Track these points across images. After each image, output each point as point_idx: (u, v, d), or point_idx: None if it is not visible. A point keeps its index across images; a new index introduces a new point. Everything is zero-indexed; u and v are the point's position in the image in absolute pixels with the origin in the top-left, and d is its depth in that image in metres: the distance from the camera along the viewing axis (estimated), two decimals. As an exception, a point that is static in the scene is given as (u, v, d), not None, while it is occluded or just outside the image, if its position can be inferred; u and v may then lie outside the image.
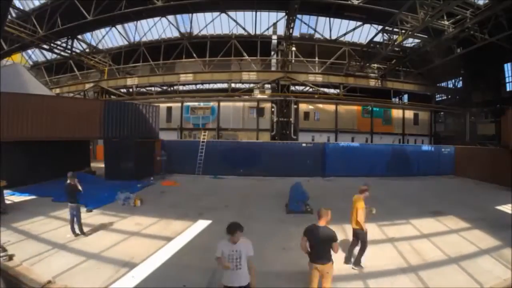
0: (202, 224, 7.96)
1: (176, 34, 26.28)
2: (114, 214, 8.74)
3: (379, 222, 7.85)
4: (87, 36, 26.97)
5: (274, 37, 24.73)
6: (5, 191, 10.33)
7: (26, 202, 9.86)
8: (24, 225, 7.34)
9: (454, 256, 5.98)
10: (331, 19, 24.26)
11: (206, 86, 31.46)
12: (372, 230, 7.51)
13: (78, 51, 26.07)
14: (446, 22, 17.15)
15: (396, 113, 26.32)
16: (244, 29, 24.56)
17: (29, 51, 28.98)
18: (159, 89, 28.68)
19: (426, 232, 7.59)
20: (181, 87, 30.03)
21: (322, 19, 24.62)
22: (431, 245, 6.61)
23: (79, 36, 25.93)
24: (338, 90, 25.80)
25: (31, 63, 30.62)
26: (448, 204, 10.21)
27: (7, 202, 9.30)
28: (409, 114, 26.60)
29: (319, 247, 3.95)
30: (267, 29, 24.71)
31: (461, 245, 6.60)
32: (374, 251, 6.13)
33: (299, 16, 22.15)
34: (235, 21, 24.01)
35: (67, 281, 4.79)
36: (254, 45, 25.08)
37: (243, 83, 26.41)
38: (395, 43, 19.40)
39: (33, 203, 9.77)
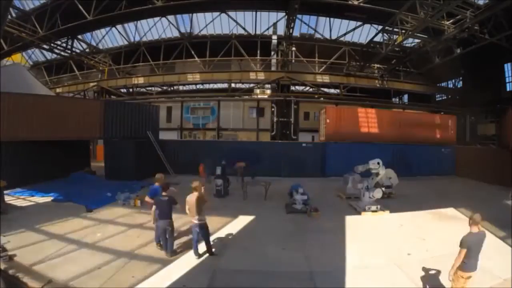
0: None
1: (176, 34, 26.25)
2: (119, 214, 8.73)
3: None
4: (87, 36, 26.95)
5: (274, 37, 24.69)
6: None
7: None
8: (26, 226, 7.33)
9: (453, 254, 5.97)
10: (331, 19, 24.23)
11: (206, 86, 31.46)
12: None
13: (78, 51, 26.06)
14: (446, 22, 17.14)
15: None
16: (244, 29, 24.54)
17: (29, 51, 28.94)
18: (159, 89, 28.67)
19: (426, 227, 7.65)
20: (181, 87, 30.04)
21: (322, 19, 24.60)
22: (431, 242, 6.63)
23: (79, 36, 25.91)
24: (338, 90, 25.81)
25: (31, 63, 30.60)
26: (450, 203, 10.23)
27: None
28: (409, 114, 26.60)
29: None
30: (267, 29, 24.69)
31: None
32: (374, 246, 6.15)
33: (299, 16, 22.11)
34: (235, 21, 23.99)
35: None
36: (254, 45, 25.06)
37: (243, 83, 26.41)
38: (395, 43, 19.38)
39: (31, 203, 9.77)
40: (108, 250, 6.06)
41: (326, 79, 25.37)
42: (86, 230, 7.23)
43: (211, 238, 6.28)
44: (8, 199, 9.85)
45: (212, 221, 7.97)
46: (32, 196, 10.52)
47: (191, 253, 5.87)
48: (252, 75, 24.93)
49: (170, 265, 5.48)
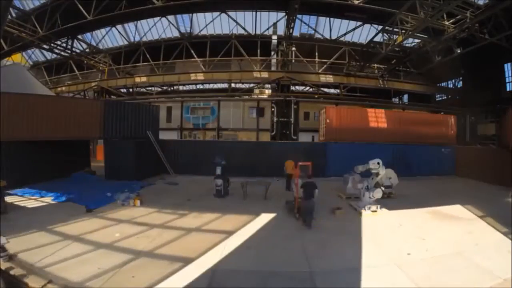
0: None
1: (176, 34, 26.24)
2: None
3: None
4: (87, 36, 26.95)
5: (274, 37, 24.70)
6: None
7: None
8: (26, 226, 7.33)
9: (453, 254, 5.99)
10: (331, 19, 24.22)
11: (206, 86, 31.46)
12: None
13: (78, 51, 26.06)
14: (446, 22, 17.15)
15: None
16: (244, 29, 24.54)
17: (29, 51, 28.94)
18: (159, 89, 28.67)
19: (426, 226, 7.64)
20: (181, 87, 30.04)
21: (322, 19, 24.59)
22: (431, 242, 6.63)
23: (79, 36, 25.91)
24: (338, 90, 25.82)
25: (31, 63, 30.60)
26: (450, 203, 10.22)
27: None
28: (409, 114, 26.58)
29: None
30: (267, 29, 24.68)
31: (462, 243, 6.61)
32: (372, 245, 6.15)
33: (299, 16, 22.11)
34: (235, 21, 23.99)
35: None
36: (254, 45, 25.06)
37: (243, 83, 26.41)
38: (395, 43, 19.39)
39: (31, 203, 9.77)
40: (108, 250, 6.07)
41: (326, 79, 25.38)
42: (86, 230, 7.22)
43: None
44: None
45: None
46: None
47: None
48: (253, 75, 24.93)
49: (172, 264, 5.47)
